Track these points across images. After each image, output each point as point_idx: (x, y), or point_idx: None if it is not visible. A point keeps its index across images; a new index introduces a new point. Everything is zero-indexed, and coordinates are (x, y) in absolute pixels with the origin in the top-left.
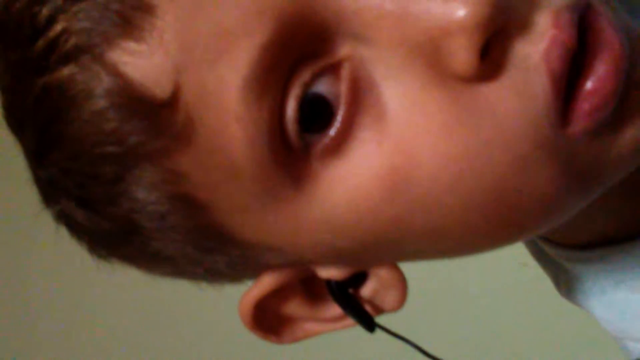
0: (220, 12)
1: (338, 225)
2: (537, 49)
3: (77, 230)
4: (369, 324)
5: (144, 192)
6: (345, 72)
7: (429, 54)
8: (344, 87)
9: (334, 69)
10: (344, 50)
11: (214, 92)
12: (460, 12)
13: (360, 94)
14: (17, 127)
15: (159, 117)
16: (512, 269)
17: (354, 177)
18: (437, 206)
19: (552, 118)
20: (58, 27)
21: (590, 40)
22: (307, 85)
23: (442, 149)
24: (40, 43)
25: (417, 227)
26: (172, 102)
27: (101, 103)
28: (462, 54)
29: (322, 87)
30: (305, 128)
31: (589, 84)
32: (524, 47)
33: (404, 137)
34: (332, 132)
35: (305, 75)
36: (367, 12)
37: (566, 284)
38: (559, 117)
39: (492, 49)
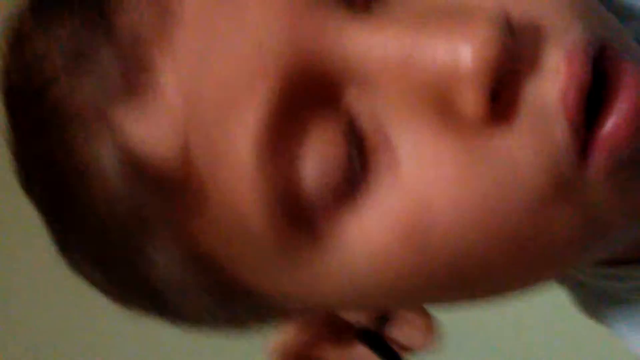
0: (225, 70)
1: (359, 276)
2: (551, 89)
3: (93, 283)
4: None
5: (161, 256)
6: (356, 124)
7: (438, 100)
8: (364, 125)
9: (345, 123)
10: (352, 100)
11: (224, 154)
12: (466, 57)
13: (373, 146)
14: (28, 188)
15: (170, 183)
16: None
17: (371, 230)
18: (458, 254)
19: (571, 160)
20: (60, 90)
21: (607, 74)
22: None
23: (459, 198)
24: (43, 107)
25: (439, 275)
26: (181, 165)
27: (111, 175)
28: (472, 99)
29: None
30: None
31: (609, 125)
32: (537, 87)
33: (420, 187)
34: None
35: (317, 132)
36: (373, 62)
37: (586, 300)
38: (578, 158)
39: (503, 91)
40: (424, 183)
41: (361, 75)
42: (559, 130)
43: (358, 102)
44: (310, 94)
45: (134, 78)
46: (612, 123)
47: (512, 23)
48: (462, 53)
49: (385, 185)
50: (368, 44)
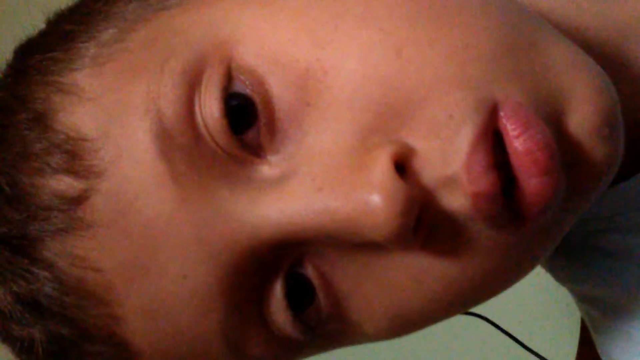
0: (174, 314)
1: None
2: (464, 204)
3: None
4: None
5: None
6: (309, 267)
7: (366, 245)
8: (312, 275)
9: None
10: (297, 251)
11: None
12: (379, 234)
13: (326, 275)
14: None
15: None
16: None
17: (367, 327)
18: (431, 315)
19: (504, 237)
20: None
21: (508, 145)
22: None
23: (421, 298)
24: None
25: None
26: None
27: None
28: (394, 247)
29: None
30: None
31: (524, 197)
32: (451, 203)
33: (385, 297)
34: (324, 312)
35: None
36: (299, 230)
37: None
38: (509, 225)
39: (424, 220)
40: (387, 294)
41: (289, 242)
42: (482, 232)
43: (305, 251)
44: (251, 281)
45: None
46: (528, 196)
47: (406, 163)
48: (375, 231)
49: (357, 299)
50: (282, 220)
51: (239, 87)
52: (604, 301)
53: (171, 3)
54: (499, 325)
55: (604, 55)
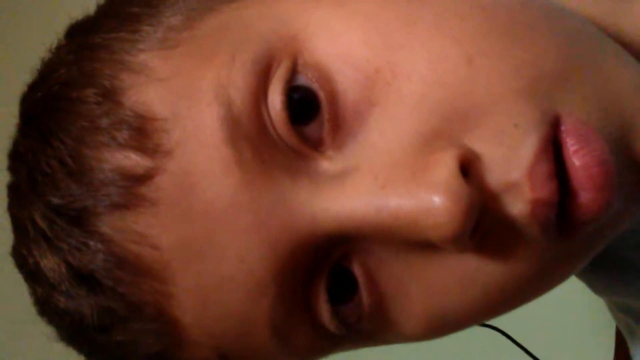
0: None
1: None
2: (523, 209)
3: None
4: None
5: None
6: (355, 262)
7: (419, 244)
8: (358, 272)
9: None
10: (346, 247)
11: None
12: (440, 234)
13: (372, 273)
14: None
15: None
16: None
17: (406, 327)
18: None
19: (551, 245)
20: None
21: (566, 157)
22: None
23: (464, 301)
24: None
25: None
26: None
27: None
28: (450, 248)
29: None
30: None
31: (576, 210)
32: (510, 209)
33: (427, 298)
34: (365, 309)
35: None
36: (358, 225)
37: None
38: (559, 234)
39: (481, 224)
40: (430, 295)
41: (348, 235)
42: (536, 239)
43: (353, 247)
44: (301, 271)
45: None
46: (582, 209)
47: (469, 167)
48: (435, 230)
49: (398, 301)
50: (343, 214)
51: (304, 81)
52: None
53: None
54: (518, 341)
55: None
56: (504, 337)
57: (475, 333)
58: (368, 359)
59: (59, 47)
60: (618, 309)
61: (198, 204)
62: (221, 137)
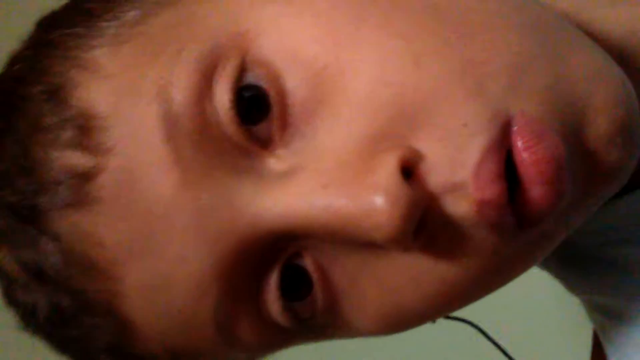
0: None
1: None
2: (469, 211)
3: None
4: None
5: None
6: (308, 259)
7: (364, 243)
8: (311, 269)
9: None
10: (297, 244)
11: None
12: (380, 235)
13: (325, 270)
14: None
15: None
16: None
17: (360, 323)
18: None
19: (507, 242)
20: None
21: (516, 153)
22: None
23: (418, 298)
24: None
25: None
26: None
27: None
28: (393, 248)
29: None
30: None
31: (528, 204)
32: (456, 210)
33: (381, 295)
34: (319, 305)
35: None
36: (301, 224)
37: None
38: (512, 231)
39: (428, 224)
40: (384, 289)
41: (290, 235)
42: (488, 239)
43: (303, 245)
44: (248, 269)
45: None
46: (533, 204)
47: (412, 168)
48: (375, 231)
49: (353, 295)
50: (285, 213)
51: (253, 79)
52: (615, 310)
53: None
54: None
55: (623, 61)
56: (479, 333)
57: (449, 327)
58: (333, 353)
59: (24, 41)
60: (592, 308)
61: (139, 202)
62: (159, 136)
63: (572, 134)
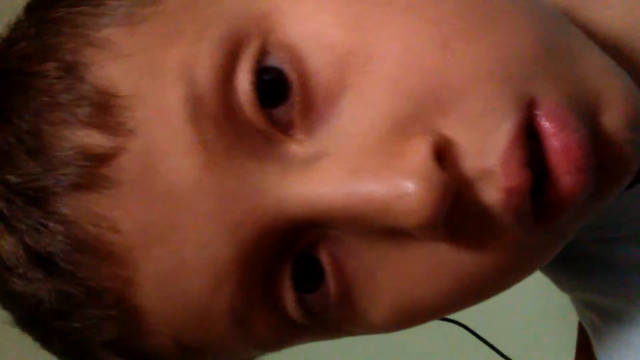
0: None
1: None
2: (497, 197)
3: None
4: None
5: None
6: (323, 251)
7: (390, 232)
8: (325, 260)
9: (311, 250)
10: (314, 234)
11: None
12: (412, 220)
13: (340, 262)
14: None
15: None
16: None
17: (374, 317)
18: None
19: (524, 235)
20: None
21: (543, 139)
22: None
23: (435, 291)
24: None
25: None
26: None
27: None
28: (423, 235)
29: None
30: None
31: (557, 194)
32: (484, 196)
33: (398, 288)
34: (331, 298)
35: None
36: (327, 210)
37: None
38: (532, 224)
39: (455, 212)
40: (400, 284)
41: (312, 223)
42: (509, 228)
43: (320, 235)
44: (266, 258)
45: None
46: (559, 194)
47: (444, 153)
48: (407, 218)
49: (367, 289)
50: (311, 200)
51: (275, 62)
52: (606, 309)
53: None
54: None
55: (617, 58)
56: (466, 332)
57: (438, 328)
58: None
59: (18, 22)
60: (583, 306)
61: (160, 185)
62: (184, 116)
63: (590, 124)
